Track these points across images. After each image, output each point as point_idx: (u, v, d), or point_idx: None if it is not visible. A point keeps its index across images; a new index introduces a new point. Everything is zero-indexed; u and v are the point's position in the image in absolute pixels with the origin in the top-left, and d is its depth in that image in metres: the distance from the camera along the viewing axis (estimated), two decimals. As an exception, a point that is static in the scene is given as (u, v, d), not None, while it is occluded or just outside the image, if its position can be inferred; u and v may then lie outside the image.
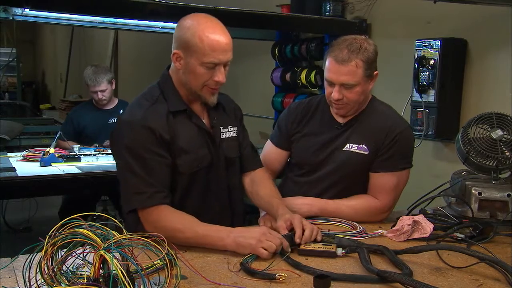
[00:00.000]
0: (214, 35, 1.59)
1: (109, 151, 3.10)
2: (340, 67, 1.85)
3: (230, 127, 1.84)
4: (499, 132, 1.95)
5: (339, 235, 1.67)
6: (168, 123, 1.66)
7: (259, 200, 1.87)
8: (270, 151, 2.17)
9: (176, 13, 2.91)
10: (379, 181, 1.95)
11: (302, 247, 1.55)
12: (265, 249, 1.46)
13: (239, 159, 1.89)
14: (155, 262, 1.14)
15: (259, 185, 1.89)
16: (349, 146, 1.98)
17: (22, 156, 3.14)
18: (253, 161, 1.94)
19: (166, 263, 1.10)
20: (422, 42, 2.95)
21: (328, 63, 1.91)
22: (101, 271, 1.01)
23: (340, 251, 1.52)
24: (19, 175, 2.67)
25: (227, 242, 1.51)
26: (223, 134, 1.80)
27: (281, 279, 1.30)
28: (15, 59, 10.23)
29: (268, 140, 2.20)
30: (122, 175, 1.66)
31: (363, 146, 1.97)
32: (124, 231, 1.10)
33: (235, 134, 1.85)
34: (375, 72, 1.93)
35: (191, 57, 1.61)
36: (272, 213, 1.79)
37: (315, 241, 1.59)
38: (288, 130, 2.11)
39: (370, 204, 1.94)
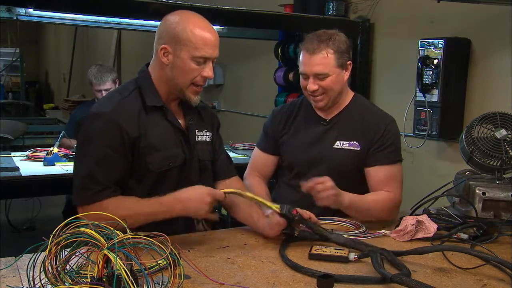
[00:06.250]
0: (205, 30, 1.62)
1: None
2: (312, 57, 1.90)
3: (205, 131, 1.82)
4: (503, 132, 1.95)
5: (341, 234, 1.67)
6: (139, 119, 1.62)
7: (238, 212, 1.80)
8: (258, 157, 2.16)
9: (179, 13, 2.92)
10: (384, 173, 1.92)
11: (313, 251, 1.50)
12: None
13: (213, 164, 1.86)
14: (158, 262, 1.14)
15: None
16: (340, 143, 1.98)
17: (26, 155, 3.14)
18: (227, 169, 1.90)
19: (170, 262, 1.10)
20: (425, 41, 2.94)
21: (301, 56, 1.96)
22: (104, 270, 1.01)
23: (352, 255, 1.46)
24: (22, 175, 2.67)
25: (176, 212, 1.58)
26: (198, 136, 1.78)
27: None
28: (19, 59, 10.26)
29: (255, 146, 2.19)
30: (75, 165, 1.64)
31: (354, 142, 1.97)
32: (127, 230, 1.10)
33: (209, 139, 1.83)
34: (348, 62, 1.95)
35: (181, 51, 1.60)
36: (252, 222, 1.75)
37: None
38: (274, 134, 2.11)
39: (384, 197, 1.87)
